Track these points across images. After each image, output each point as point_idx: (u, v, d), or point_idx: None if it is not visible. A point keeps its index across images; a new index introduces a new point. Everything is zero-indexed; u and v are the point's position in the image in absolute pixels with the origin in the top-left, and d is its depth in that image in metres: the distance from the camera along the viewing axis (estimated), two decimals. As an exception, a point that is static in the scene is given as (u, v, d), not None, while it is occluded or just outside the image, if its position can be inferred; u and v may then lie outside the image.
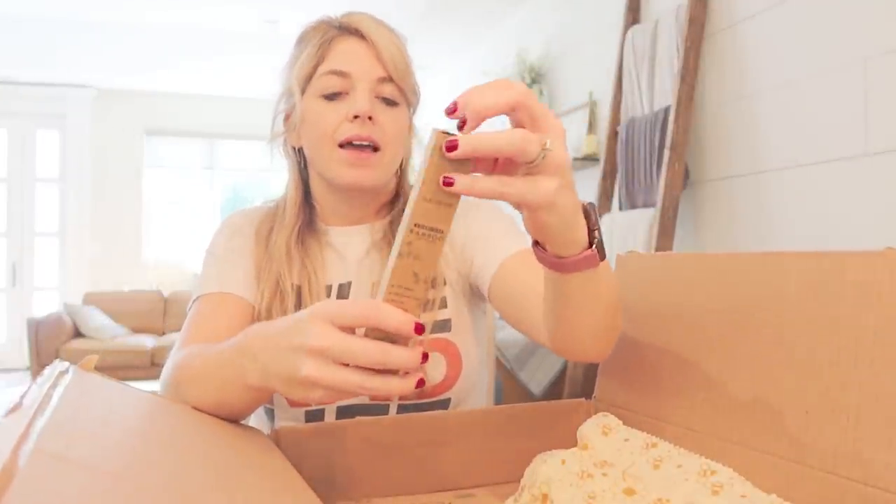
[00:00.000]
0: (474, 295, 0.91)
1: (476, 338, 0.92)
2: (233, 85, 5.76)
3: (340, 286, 0.88)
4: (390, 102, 0.84)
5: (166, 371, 0.70)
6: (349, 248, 0.90)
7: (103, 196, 5.84)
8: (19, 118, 5.67)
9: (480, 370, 0.93)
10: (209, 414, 0.60)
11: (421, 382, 0.48)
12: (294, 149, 0.90)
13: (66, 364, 0.47)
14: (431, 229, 0.45)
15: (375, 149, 0.82)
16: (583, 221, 0.51)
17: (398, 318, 0.45)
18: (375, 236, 0.90)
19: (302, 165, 0.91)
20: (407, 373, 0.48)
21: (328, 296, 0.87)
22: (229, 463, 0.50)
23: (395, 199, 0.93)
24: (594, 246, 0.52)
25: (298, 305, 0.85)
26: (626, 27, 2.67)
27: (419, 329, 0.46)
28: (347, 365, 0.47)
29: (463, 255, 0.88)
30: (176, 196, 6.24)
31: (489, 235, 0.86)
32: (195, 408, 0.60)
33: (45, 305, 5.51)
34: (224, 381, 0.57)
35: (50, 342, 4.70)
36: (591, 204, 0.53)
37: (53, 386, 0.41)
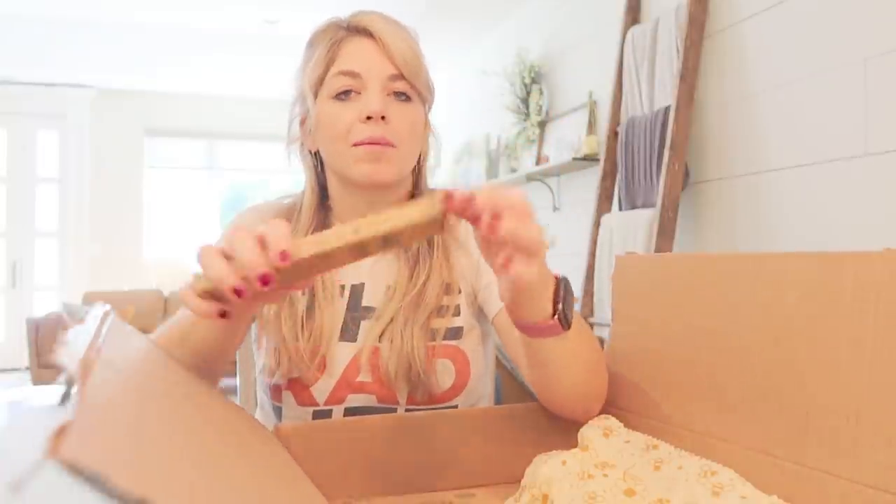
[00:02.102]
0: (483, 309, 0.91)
1: (485, 347, 0.91)
2: (233, 85, 5.76)
3: (353, 287, 0.87)
4: (404, 98, 0.83)
5: None
6: None
7: (103, 196, 5.84)
8: (19, 118, 5.67)
9: (487, 379, 0.92)
10: (180, 359, 0.63)
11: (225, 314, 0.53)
12: (311, 152, 0.90)
13: (108, 306, 0.49)
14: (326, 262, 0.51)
15: (392, 145, 0.82)
16: (549, 293, 0.58)
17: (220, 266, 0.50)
18: None
19: (319, 169, 0.90)
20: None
21: (341, 296, 0.87)
22: (232, 452, 0.50)
23: (412, 199, 0.91)
24: (557, 317, 0.58)
25: (311, 306, 0.84)
26: (626, 27, 2.67)
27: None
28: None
29: (477, 273, 0.88)
30: (176, 196, 6.24)
31: None
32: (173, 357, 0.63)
33: (45, 305, 5.51)
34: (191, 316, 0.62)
35: (50, 342, 4.70)
36: (564, 278, 0.59)
37: (105, 318, 0.45)
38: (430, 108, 0.90)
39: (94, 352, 0.34)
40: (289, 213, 0.91)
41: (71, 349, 0.33)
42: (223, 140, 6.26)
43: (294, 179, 6.15)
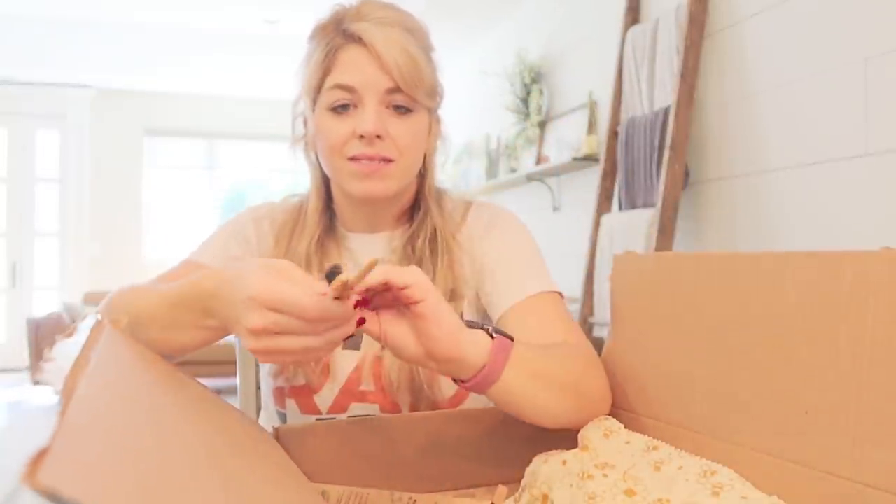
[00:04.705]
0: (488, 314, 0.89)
1: None
2: (233, 85, 5.76)
3: None
4: (403, 110, 0.80)
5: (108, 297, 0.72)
6: (367, 256, 0.88)
7: (103, 196, 5.84)
8: (19, 118, 5.67)
9: None
10: (156, 350, 0.62)
11: (360, 321, 0.54)
12: (315, 153, 0.87)
13: (100, 316, 0.49)
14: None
15: (388, 160, 0.79)
16: (469, 346, 0.57)
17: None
18: (394, 246, 0.88)
19: (323, 170, 0.88)
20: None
21: None
22: (230, 450, 0.50)
23: (416, 205, 0.90)
24: (495, 339, 0.58)
25: None
26: (626, 27, 2.67)
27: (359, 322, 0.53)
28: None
29: (481, 277, 0.86)
30: (176, 196, 6.24)
31: (506, 266, 0.84)
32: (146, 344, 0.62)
33: (45, 305, 5.51)
34: (176, 321, 0.61)
35: (50, 342, 4.70)
36: (469, 322, 0.59)
37: (97, 329, 0.44)
38: (438, 107, 0.87)
39: (81, 367, 0.33)
40: (297, 213, 0.90)
41: (57, 365, 0.33)
42: (223, 140, 6.26)
43: (294, 180, 6.12)
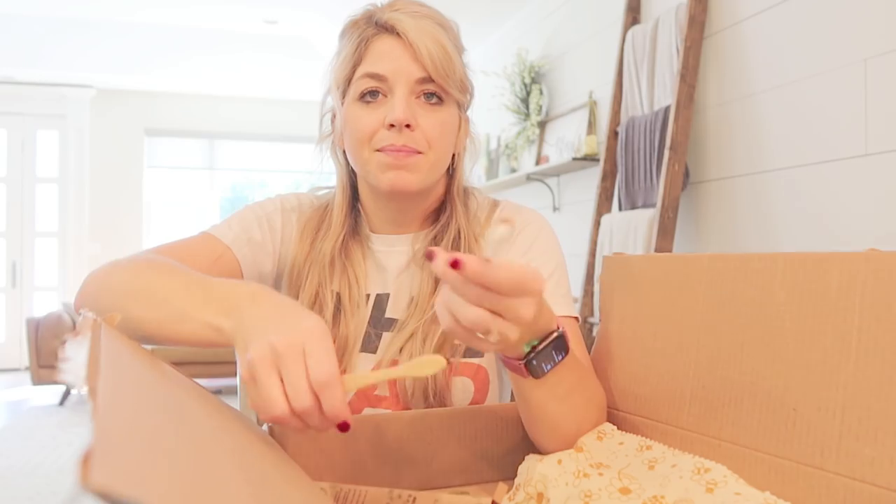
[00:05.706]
0: None
1: None
2: (233, 85, 5.77)
3: (378, 297, 0.85)
4: (434, 101, 0.79)
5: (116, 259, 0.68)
6: (391, 258, 0.87)
7: (103, 196, 5.85)
8: (19, 118, 5.68)
9: (506, 396, 0.90)
10: (147, 331, 0.59)
11: (344, 426, 0.53)
12: (343, 151, 0.86)
13: (93, 315, 0.49)
14: None
15: (418, 151, 0.78)
16: (534, 338, 0.57)
17: (338, 407, 0.51)
18: (417, 248, 0.86)
19: (350, 168, 0.87)
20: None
21: (367, 304, 0.85)
22: (248, 447, 0.50)
23: (443, 206, 0.88)
24: (524, 363, 0.57)
25: (337, 312, 0.83)
26: (626, 27, 2.67)
27: (343, 426, 0.52)
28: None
29: None
30: (176, 196, 6.25)
31: None
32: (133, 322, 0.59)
33: (45, 305, 5.51)
34: (185, 315, 0.57)
35: (50, 342, 4.71)
36: (559, 334, 0.58)
37: (97, 327, 0.44)
38: (467, 106, 0.86)
39: (94, 368, 0.33)
40: (322, 211, 0.89)
41: (74, 365, 0.33)
42: (223, 140, 6.27)
43: (294, 180, 6.10)
